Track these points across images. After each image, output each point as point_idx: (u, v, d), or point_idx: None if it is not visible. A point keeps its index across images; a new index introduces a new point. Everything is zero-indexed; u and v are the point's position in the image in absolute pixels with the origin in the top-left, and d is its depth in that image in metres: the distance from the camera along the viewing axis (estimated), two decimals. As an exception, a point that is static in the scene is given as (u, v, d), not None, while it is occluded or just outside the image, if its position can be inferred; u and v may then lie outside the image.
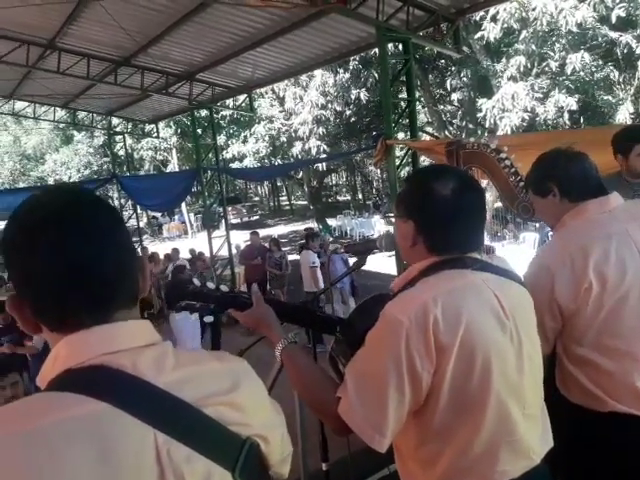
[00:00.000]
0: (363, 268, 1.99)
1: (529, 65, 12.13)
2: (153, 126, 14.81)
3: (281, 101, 18.37)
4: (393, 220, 1.49)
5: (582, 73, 11.89)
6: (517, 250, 11.78)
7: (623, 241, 1.58)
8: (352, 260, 6.59)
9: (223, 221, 11.46)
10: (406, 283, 1.31)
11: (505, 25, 11.19)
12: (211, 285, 1.48)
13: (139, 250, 12.86)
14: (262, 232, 18.10)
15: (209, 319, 1.38)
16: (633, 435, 1.58)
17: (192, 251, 12.53)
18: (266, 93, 18.61)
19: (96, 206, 0.80)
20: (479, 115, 12.85)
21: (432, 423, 1.20)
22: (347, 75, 16.43)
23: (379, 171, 26.67)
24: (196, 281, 1.46)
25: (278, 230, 26.11)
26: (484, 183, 2.42)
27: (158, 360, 0.76)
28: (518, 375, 1.24)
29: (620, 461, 1.60)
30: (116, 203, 16.48)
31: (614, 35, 11.40)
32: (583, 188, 1.69)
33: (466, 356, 1.16)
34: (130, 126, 16.30)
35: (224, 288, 1.50)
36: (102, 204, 0.81)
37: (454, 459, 1.21)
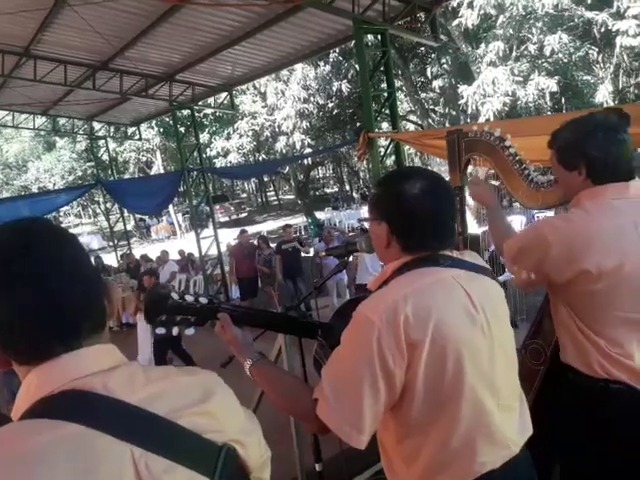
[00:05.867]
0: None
1: (508, 50, 12.17)
2: (135, 128, 14.69)
3: (263, 96, 18.28)
4: (366, 225, 1.53)
5: (560, 54, 11.94)
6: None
7: (628, 235, 1.55)
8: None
9: (211, 220, 11.39)
10: (381, 283, 1.34)
11: (482, 11, 11.21)
12: (190, 298, 1.47)
13: (126, 254, 12.81)
14: (251, 229, 18.04)
15: (190, 332, 1.36)
16: (625, 403, 1.60)
17: (181, 252, 12.49)
18: (247, 89, 18.49)
19: (59, 238, 0.80)
20: (461, 102, 12.86)
21: (410, 418, 1.23)
22: (328, 68, 16.42)
23: (365, 162, 26.67)
24: (175, 295, 1.45)
25: (267, 226, 26.01)
26: (484, 170, 2.37)
27: (128, 379, 0.77)
28: (491, 367, 1.27)
29: (612, 430, 1.62)
30: (102, 208, 16.35)
31: (590, 15, 11.45)
32: (613, 174, 1.59)
33: (437, 351, 1.19)
34: (112, 130, 16.14)
35: (203, 300, 1.50)
36: (64, 235, 0.81)
37: (434, 453, 1.24)
